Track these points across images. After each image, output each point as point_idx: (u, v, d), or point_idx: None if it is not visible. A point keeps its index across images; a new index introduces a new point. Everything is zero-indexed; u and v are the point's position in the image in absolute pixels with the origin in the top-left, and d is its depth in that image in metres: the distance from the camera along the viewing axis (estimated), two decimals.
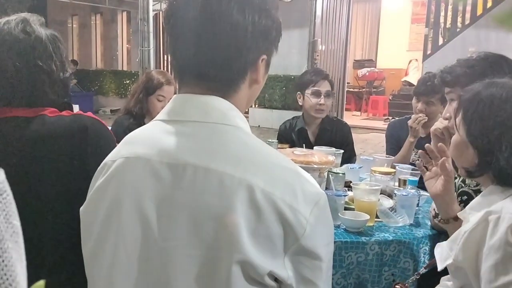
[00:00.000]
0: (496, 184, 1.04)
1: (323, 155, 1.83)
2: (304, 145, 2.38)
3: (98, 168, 0.82)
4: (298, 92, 2.57)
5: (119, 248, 0.74)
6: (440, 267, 1.11)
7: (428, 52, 8.28)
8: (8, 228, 0.29)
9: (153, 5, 5.44)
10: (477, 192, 1.33)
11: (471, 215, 1.06)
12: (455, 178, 1.37)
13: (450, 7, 8.05)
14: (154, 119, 0.82)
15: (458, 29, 7.93)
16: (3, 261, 0.29)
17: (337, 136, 2.56)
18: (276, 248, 0.69)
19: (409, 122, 2.33)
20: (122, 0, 10.41)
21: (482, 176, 1.07)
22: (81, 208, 0.81)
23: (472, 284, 0.99)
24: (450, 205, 1.31)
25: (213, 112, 0.75)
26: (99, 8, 12.30)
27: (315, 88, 2.48)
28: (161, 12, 10.31)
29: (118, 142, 0.86)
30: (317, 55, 8.39)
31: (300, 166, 0.79)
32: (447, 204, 1.32)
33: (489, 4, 7.37)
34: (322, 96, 2.48)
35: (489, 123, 1.02)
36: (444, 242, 1.13)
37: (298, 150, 1.87)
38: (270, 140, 2.50)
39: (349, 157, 2.46)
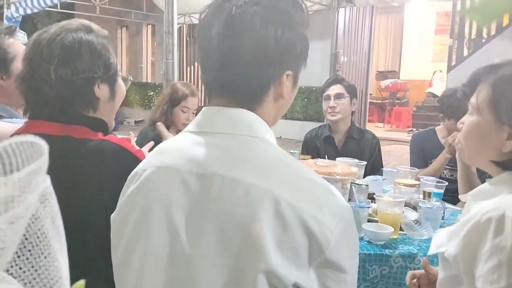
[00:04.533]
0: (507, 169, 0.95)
1: (346, 166, 1.83)
2: (330, 153, 2.38)
3: (129, 177, 0.84)
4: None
5: (147, 256, 0.76)
6: (430, 252, 1.06)
7: (453, 63, 8.17)
8: (54, 229, 0.31)
9: (177, 19, 5.55)
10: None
11: (474, 204, 1.00)
12: None
13: None
14: (183, 130, 0.84)
15: (483, 40, 7.81)
16: (49, 261, 0.31)
17: (365, 146, 2.56)
18: (301, 260, 0.70)
19: (448, 138, 2.31)
20: (147, 14, 10.63)
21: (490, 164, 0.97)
22: (111, 215, 0.84)
23: (460, 276, 0.93)
24: None
25: (241, 124, 0.77)
26: (125, 21, 12.60)
27: (325, 93, 2.55)
28: (184, 26, 10.49)
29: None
30: (339, 67, 8.39)
31: (323, 177, 0.80)
32: None
33: None
34: (332, 99, 2.51)
35: None
36: (445, 228, 1.06)
37: (320, 161, 1.88)
38: (291, 151, 2.51)
39: (376, 169, 2.44)
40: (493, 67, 1.00)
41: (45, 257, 0.32)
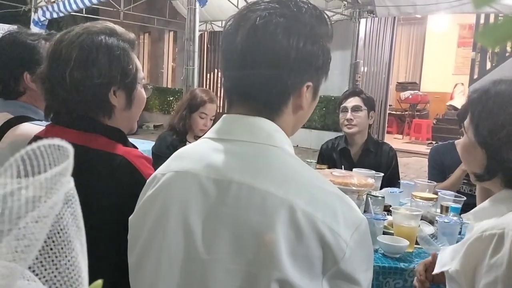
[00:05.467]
0: (505, 187, 0.98)
1: (362, 177, 1.82)
2: (346, 164, 2.37)
3: (148, 180, 0.86)
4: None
5: (162, 258, 0.77)
6: (435, 271, 1.08)
7: (475, 76, 8.05)
8: (76, 230, 0.33)
9: (199, 26, 5.62)
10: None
11: (475, 222, 1.01)
12: None
13: None
14: (202, 137, 0.85)
15: (507, 54, 7.68)
16: (70, 260, 0.32)
17: (382, 159, 2.54)
18: (314, 270, 0.70)
19: None
20: (169, 21, 10.79)
21: (492, 180, 1.01)
22: (130, 218, 0.85)
23: None
24: None
25: (260, 133, 0.78)
26: (147, 27, 12.80)
27: (342, 105, 2.55)
28: (206, 33, 10.60)
29: (161, 156, 0.89)
30: (359, 77, 8.35)
31: (338, 188, 0.80)
32: None
33: None
34: (349, 111, 2.50)
35: (498, 121, 0.96)
36: (449, 247, 1.08)
37: (337, 171, 1.87)
38: (308, 160, 2.51)
39: (392, 181, 2.42)
40: (480, 90, 1.05)
41: (66, 257, 0.33)
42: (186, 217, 0.76)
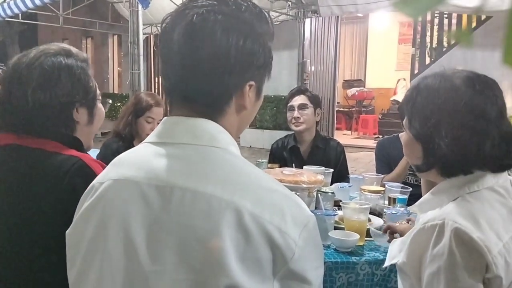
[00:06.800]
0: (442, 175, 1.02)
1: (312, 174, 1.83)
2: (296, 163, 2.39)
3: (85, 191, 0.81)
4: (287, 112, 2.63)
5: (104, 273, 0.73)
6: (385, 264, 1.12)
7: (416, 71, 8.41)
8: None
9: (143, 29, 5.50)
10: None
11: (421, 214, 1.06)
12: None
13: (435, 27, 8.22)
14: (143, 141, 0.81)
15: (444, 49, 8.09)
16: None
17: (330, 155, 2.59)
18: (265, 272, 0.68)
19: None
20: (112, 24, 10.48)
21: (431, 172, 1.05)
22: (67, 231, 0.80)
23: (415, 287, 0.98)
24: None
25: (202, 134, 0.75)
26: (90, 32, 12.38)
27: (289, 103, 2.61)
28: (151, 36, 10.40)
29: (107, 164, 0.85)
30: (307, 76, 8.50)
31: (289, 186, 0.79)
32: None
33: (474, 24, 7.54)
34: (296, 110, 2.55)
35: (427, 112, 1.01)
36: (398, 240, 1.12)
37: (287, 170, 1.87)
38: (260, 160, 2.51)
39: (342, 176, 2.47)
40: (411, 87, 1.11)
41: None
42: (127, 228, 0.72)
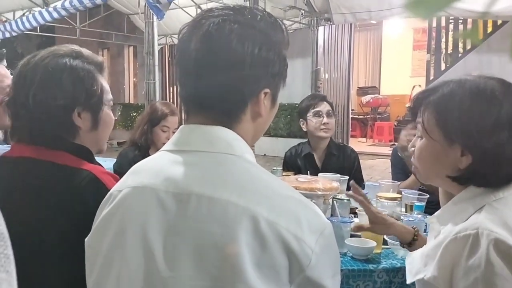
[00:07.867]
0: (477, 185, 0.95)
1: (328, 181, 1.82)
2: (310, 170, 2.38)
3: (104, 199, 0.82)
4: (301, 119, 2.60)
5: (122, 279, 0.74)
6: (409, 281, 1.06)
7: (431, 77, 8.34)
8: (1, 258, 0.30)
9: (158, 40, 5.57)
10: None
11: (442, 226, 1.00)
12: None
13: (450, 33, 8.15)
14: (160, 149, 0.83)
15: (459, 55, 8.01)
16: None
17: (345, 162, 2.57)
18: (281, 279, 0.68)
19: (409, 147, 2.33)
20: (128, 36, 10.64)
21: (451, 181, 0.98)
22: (86, 239, 0.81)
23: None
24: (398, 229, 1.35)
25: (218, 142, 0.76)
26: (106, 43, 12.59)
27: (315, 109, 2.54)
28: (166, 46, 10.52)
29: (123, 173, 0.86)
30: (320, 83, 8.48)
31: (304, 193, 0.80)
32: (395, 230, 1.36)
33: (490, 29, 7.46)
34: (325, 116, 2.52)
35: (485, 121, 0.91)
36: (416, 252, 1.07)
37: (302, 177, 1.87)
38: (274, 168, 2.51)
39: (357, 183, 2.44)
40: (430, 90, 1.02)
41: None
42: (145, 235, 0.73)
